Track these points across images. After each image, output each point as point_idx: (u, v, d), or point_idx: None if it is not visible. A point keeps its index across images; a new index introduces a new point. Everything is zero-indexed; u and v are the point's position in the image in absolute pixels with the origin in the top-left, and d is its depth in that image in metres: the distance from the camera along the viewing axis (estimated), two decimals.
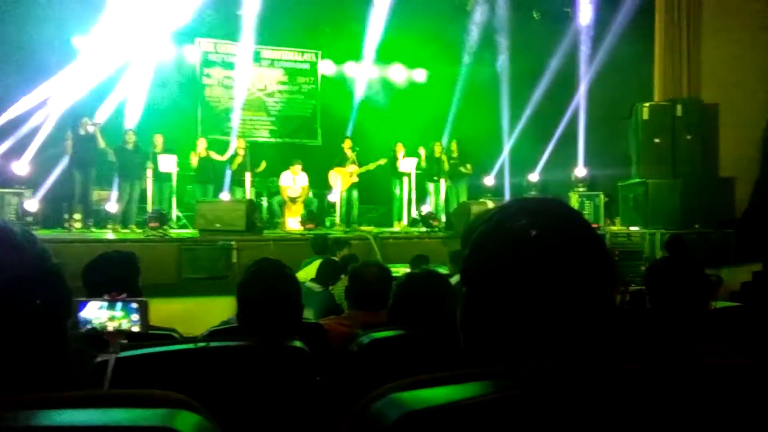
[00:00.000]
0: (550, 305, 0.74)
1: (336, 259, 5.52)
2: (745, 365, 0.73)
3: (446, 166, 10.39)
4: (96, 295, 1.74)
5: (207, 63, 12.10)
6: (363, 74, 12.92)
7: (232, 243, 7.48)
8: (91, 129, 8.66)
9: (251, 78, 12.41)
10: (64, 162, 8.86)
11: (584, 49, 10.53)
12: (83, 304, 1.65)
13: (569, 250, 0.76)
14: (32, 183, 8.99)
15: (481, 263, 0.79)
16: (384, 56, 12.68)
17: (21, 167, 8.91)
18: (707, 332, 2.23)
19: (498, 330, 0.77)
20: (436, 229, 9.13)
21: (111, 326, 1.67)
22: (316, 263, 5.02)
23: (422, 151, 10.40)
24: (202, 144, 10.12)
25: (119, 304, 1.69)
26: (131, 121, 10.03)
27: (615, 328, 0.79)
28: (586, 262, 0.77)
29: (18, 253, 0.73)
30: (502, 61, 12.05)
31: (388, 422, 0.60)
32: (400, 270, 6.00)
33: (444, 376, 0.66)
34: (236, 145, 10.27)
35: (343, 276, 4.64)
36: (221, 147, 10.59)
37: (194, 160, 9.91)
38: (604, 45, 10.01)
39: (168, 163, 9.34)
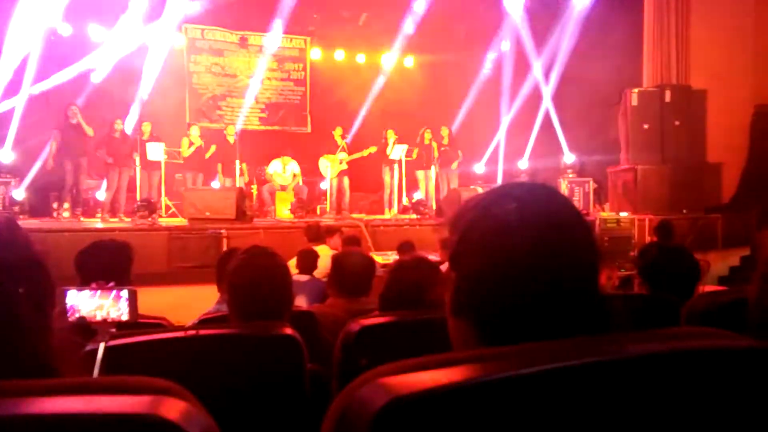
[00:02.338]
0: (538, 289, 0.75)
1: (318, 248, 5.51)
2: (737, 348, 0.73)
3: (436, 153, 10.37)
4: (88, 281, 1.73)
5: (194, 50, 11.96)
6: (353, 60, 12.85)
7: (222, 231, 7.45)
8: (74, 119, 8.55)
9: (239, 65, 12.31)
10: (50, 150, 8.77)
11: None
12: (69, 292, 1.64)
13: (555, 234, 0.76)
14: (19, 171, 8.89)
15: (468, 248, 0.79)
16: (374, 42, 12.60)
17: (6, 155, 8.81)
18: (696, 316, 2.24)
19: (487, 315, 0.77)
20: (427, 216, 9.14)
21: (99, 315, 1.66)
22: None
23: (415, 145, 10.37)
24: (194, 132, 10.04)
25: (108, 293, 1.68)
26: (118, 109, 9.93)
27: (604, 312, 0.79)
28: (572, 246, 0.77)
29: (0, 242, 0.72)
30: (494, 47, 12.03)
31: (376, 407, 0.60)
32: (390, 257, 6.02)
33: (431, 360, 0.66)
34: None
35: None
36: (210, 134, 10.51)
37: (186, 148, 9.85)
38: (593, 31, 10.01)
39: (156, 151, 9.27)
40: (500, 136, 11.70)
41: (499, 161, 11.67)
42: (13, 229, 0.75)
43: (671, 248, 2.49)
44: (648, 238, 7.69)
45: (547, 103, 10.86)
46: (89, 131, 8.66)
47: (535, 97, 11.19)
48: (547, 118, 11.04)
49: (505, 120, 11.63)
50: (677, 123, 9.20)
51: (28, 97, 9.24)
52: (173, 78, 11.42)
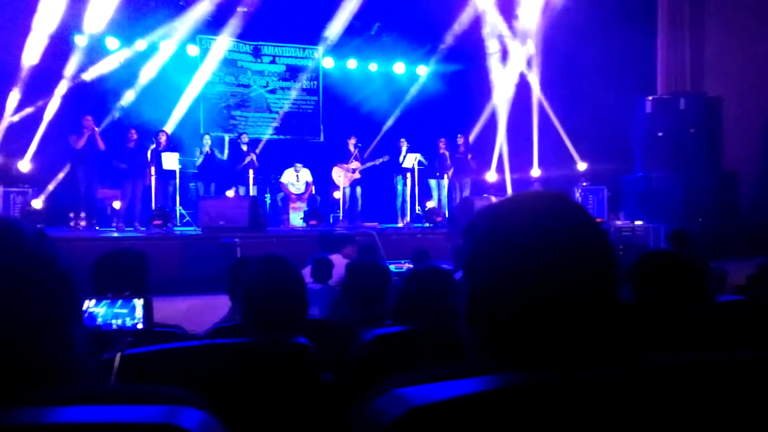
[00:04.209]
0: (553, 299, 0.74)
1: (331, 256, 5.50)
2: (741, 361, 0.72)
3: (449, 162, 10.36)
4: (105, 290, 1.75)
5: (208, 60, 12.06)
6: (365, 70, 12.90)
7: (236, 240, 7.49)
8: (88, 130, 8.66)
9: (253, 75, 12.41)
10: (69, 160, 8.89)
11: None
12: (85, 301, 1.66)
13: (571, 243, 0.76)
14: (37, 181, 9.01)
15: (483, 257, 0.79)
16: (386, 51, 12.64)
17: (24, 165, 8.94)
18: (711, 326, 2.22)
19: (501, 324, 0.77)
20: (440, 224, 9.12)
21: (115, 324, 1.67)
22: None
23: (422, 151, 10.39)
24: (207, 141, 10.11)
25: (124, 302, 1.69)
26: (134, 119, 10.05)
27: (619, 323, 0.78)
28: (587, 256, 0.77)
29: (27, 253, 0.72)
30: (506, 56, 12.03)
31: (392, 418, 0.60)
32: (404, 266, 6.01)
33: (447, 370, 0.66)
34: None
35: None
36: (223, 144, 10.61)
37: (200, 158, 9.93)
38: (607, 37, 9.97)
39: (171, 161, 9.34)
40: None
41: (505, 170, 11.63)
42: (42, 242, 0.75)
43: (665, 254, 2.38)
44: (665, 247, 7.62)
45: (557, 112, 10.83)
46: (99, 145, 8.76)
47: (547, 105, 11.17)
48: (561, 127, 11.00)
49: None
50: (692, 131, 9.13)
51: (46, 108, 9.37)
52: (188, 88, 11.52)
